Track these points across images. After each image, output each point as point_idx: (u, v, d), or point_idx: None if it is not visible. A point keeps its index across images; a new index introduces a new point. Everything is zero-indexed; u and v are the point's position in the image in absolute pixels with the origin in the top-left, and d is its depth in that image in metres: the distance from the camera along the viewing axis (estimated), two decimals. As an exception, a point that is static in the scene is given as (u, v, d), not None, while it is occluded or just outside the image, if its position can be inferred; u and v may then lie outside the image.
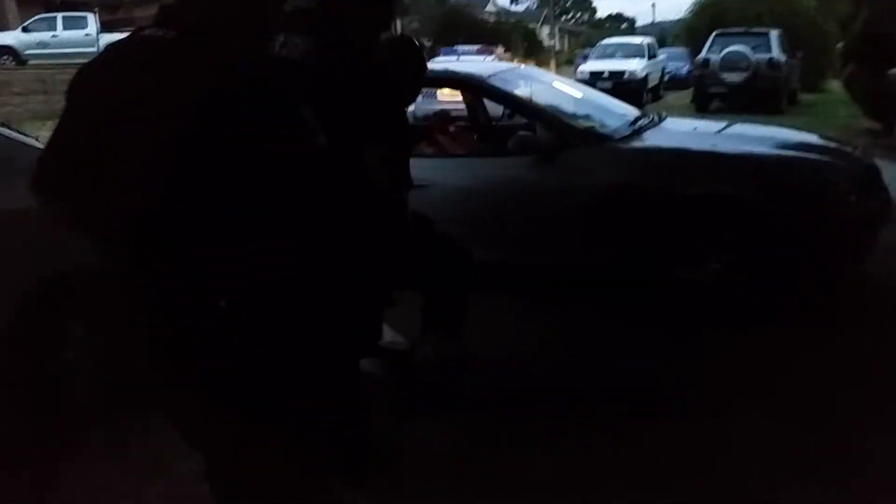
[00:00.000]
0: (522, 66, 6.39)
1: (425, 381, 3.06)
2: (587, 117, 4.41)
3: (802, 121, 10.52)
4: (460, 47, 22.66)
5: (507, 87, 4.39)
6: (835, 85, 15.46)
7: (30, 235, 2.94)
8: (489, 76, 4.49)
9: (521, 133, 4.20)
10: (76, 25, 18.10)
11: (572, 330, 3.73)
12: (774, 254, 3.60)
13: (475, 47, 23.33)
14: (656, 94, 19.18)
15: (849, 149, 4.57)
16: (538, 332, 3.71)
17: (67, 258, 3.05)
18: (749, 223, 3.66)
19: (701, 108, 14.78)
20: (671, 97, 18.21)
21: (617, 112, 4.70)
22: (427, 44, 29.58)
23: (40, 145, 3.29)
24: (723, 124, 4.70)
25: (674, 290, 3.80)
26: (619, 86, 17.69)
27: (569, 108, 4.50)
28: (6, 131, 3.24)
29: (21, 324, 2.84)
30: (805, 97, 15.99)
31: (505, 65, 5.72)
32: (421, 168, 3.41)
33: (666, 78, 20.29)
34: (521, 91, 4.42)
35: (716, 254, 3.77)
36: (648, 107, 16.25)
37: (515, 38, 36.64)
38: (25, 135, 3.36)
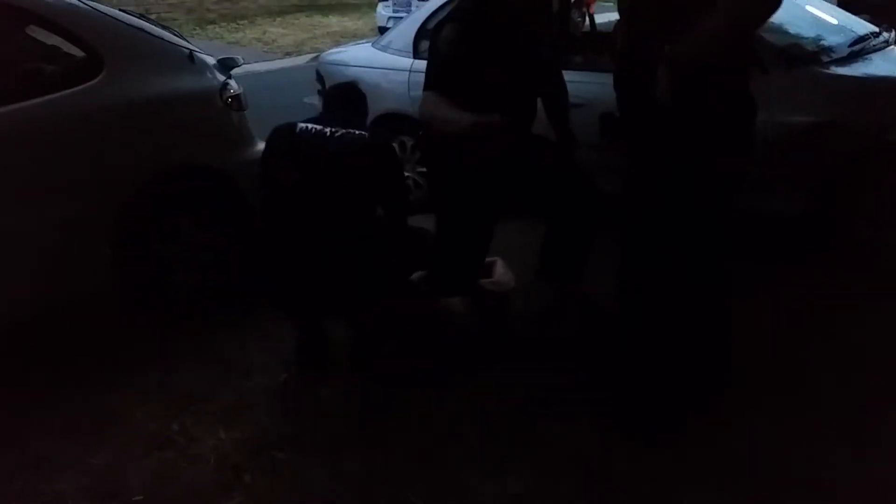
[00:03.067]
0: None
1: (515, 331, 2.73)
2: (791, 32, 3.57)
3: None
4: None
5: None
6: None
7: (165, 128, 3.01)
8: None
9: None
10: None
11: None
12: None
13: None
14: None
15: None
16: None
17: (189, 155, 3.10)
18: None
19: None
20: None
21: (836, 27, 3.79)
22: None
23: (176, 39, 3.28)
24: None
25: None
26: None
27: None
28: (146, 25, 3.24)
29: (136, 209, 2.92)
30: None
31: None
32: (576, 85, 3.06)
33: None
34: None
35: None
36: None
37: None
38: (166, 29, 3.36)
